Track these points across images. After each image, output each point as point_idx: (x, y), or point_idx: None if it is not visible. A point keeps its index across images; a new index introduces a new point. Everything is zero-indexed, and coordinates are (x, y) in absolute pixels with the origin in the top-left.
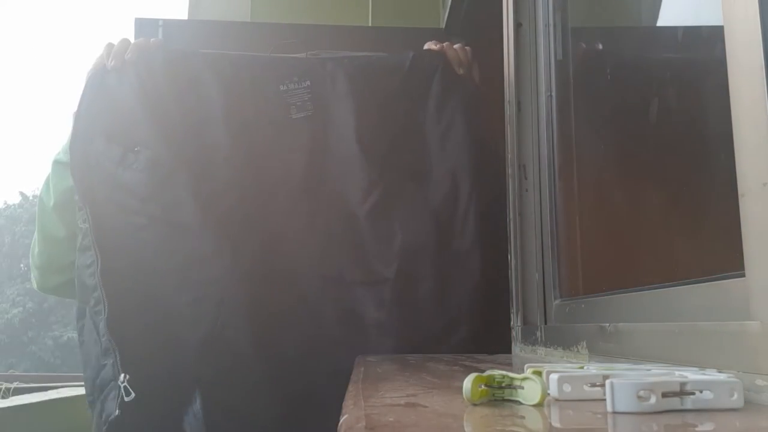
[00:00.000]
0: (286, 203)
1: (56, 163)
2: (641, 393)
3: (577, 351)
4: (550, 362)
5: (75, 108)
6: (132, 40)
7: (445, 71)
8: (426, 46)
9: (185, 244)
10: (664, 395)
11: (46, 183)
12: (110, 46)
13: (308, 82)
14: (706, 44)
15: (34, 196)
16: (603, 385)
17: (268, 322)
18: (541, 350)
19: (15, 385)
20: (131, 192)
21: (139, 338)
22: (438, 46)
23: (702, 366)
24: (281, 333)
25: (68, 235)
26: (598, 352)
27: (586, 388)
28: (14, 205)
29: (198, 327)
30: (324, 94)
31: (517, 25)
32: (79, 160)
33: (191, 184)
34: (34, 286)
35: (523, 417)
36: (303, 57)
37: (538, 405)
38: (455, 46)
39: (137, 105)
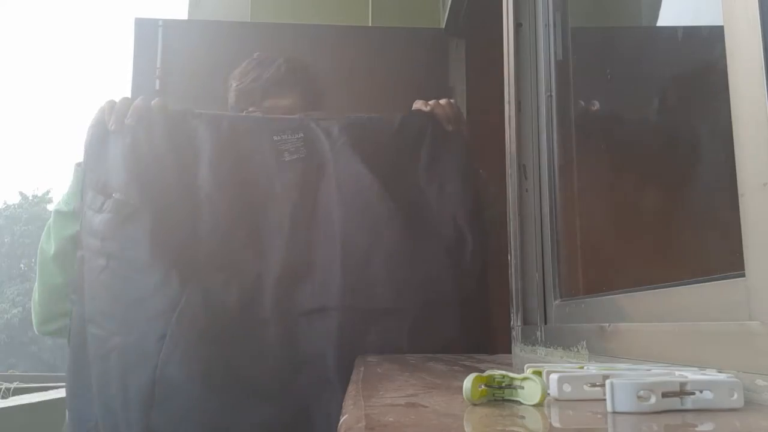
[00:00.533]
0: (271, 238)
1: (57, 212)
2: (641, 393)
3: (577, 351)
4: (550, 362)
5: (79, 159)
6: (132, 40)
7: (435, 131)
8: (415, 106)
9: (136, 280)
10: (664, 395)
11: (47, 231)
12: (111, 103)
13: (301, 134)
14: (706, 44)
15: (34, 196)
16: (603, 385)
17: (218, 358)
18: (541, 350)
19: (15, 385)
20: (97, 233)
21: (96, 389)
22: (427, 106)
23: (702, 366)
24: (236, 369)
25: (66, 282)
26: (598, 352)
27: (586, 388)
28: (14, 205)
29: (142, 367)
30: (318, 144)
31: (517, 25)
32: (78, 212)
33: (152, 221)
34: (35, 329)
35: (523, 417)
36: (297, 117)
37: (538, 405)
38: (442, 101)
39: (130, 162)
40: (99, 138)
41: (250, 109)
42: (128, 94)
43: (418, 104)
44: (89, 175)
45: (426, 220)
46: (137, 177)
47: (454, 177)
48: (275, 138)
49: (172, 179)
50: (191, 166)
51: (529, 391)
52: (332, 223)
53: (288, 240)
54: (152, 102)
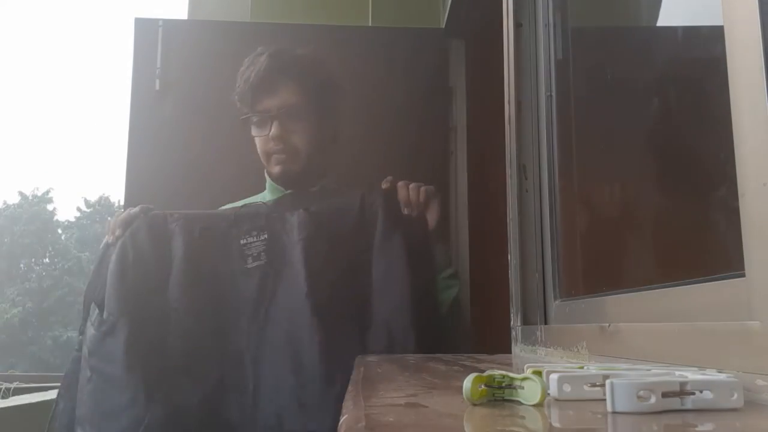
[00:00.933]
0: (235, 342)
1: None
2: (641, 393)
3: (577, 351)
4: (550, 362)
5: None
6: (132, 40)
7: (388, 211)
8: (382, 184)
9: (111, 396)
10: (664, 395)
11: None
12: (108, 222)
13: (266, 235)
14: (706, 44)
15: (34, 196)
16: (603, 385)
17: None
18: (541, 350)
19: (15, 385)
20: (87, 346)
21: None
22: (391, 185)
23: (702, 366)
24: None
25: None
26: (598, 352)
27: (586, 388)
28: (14, 204)
29: None
30: (279, 245)
31: (517, 25)
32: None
33: (127, 336)
34: None
35: (523, 417)
36: (264, 213)
37: (538, 405)
38: (412, 185)
39: (114, 276)
40: (102, 252)
41: (249, 115)
42: (128, 94)
43: (384, 182)
44: (89, 288)
45: (367, 313)
46: (117, 291)
47: (399, 265)
48: (242, 242)
49: (148, 290)
50: (165, 274)
51: (529, 391)
52: (282, 329)
53: (247, 344)
54: (134, 210)
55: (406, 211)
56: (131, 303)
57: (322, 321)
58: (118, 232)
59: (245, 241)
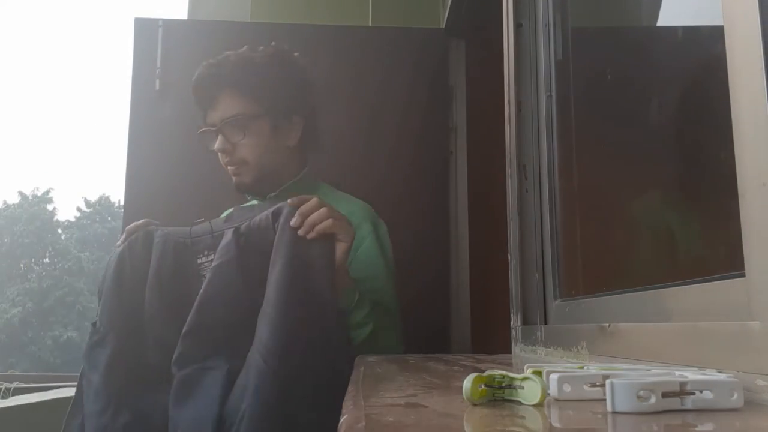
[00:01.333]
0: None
1: None
2: (641, 393)
3: (577, 351)
4: (550, 362)
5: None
6: (132, 40)
7: (284, 222)
8: (289, 200)
9: (90, 401)
10: (664, 395)
11: None
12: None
13: (212, 255)
14: (705, 44)
15: (34, 196)
16: (603, 385)
17: None
18: (541, 350)
19: (15, 385)
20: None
21: None
22: (299, 201)
23: (702, 366)
24: None
25: None
26: (598, 352)
27: (586, 388)
28: (14, 204)
29: None
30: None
31: (517, 25)
32: None
33: (112, 349)
34: None
35: (523, 417)
36: (210, 232)
37: (538, 405)
38: (312, 200)
39: (109, 289)
40: (109, 259)
41: (202, 129)
42: (128, 94)
43: (293, 199)
44: (98, 295)
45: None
46: (108, 303)
47: (277, 270)
48: (198, 261)
49: (134, 303)
50: (143, 293)
51: (529, 391)
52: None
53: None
54: (138, 222)
55: (292, 222)
56: (120, 316)
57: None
58: (118, 243)
59: (201, 260)
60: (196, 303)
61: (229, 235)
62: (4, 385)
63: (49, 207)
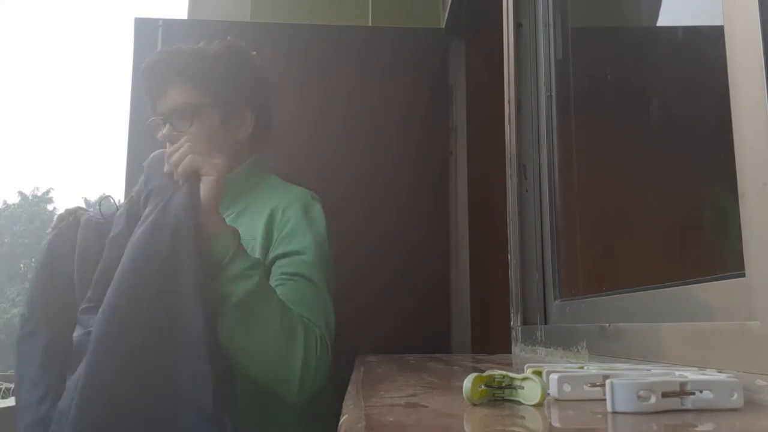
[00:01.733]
0: None
1: None
2: (641, 393)
3: (577, 351)
4: (550, 362)
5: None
6: (132, 40)
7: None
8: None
9: (25, 391)
10: (664, 395)
11: None
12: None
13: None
14: (705, 44)
15: (34, 196)
16: (603, 385)
17: None
18: (541, 350)
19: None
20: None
21: None
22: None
23: (702, 366)
24: None
25: None
26: (598, 352)
27: (586, 388)
28: (14, 204)
29: None
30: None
31: (517, 25)
32: None
33: (46, 341)
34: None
35: (523, 417)
36: (116, 207)
37: (538, 405)
38: (179, 142)
39: (38, 275)
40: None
41: (151, 119)
42: (128, 94)
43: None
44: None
45: None
46: (37, 292)
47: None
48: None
49: (66, 290)
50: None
51: (529, 391)
52: None
53: None
54: (72, 207)
55: (164, 168)
56: (54, 305)
57: None
58: (48, 230)
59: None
60: (94, 277)
61: (123, 206)
62: (4, 385)
63: (49, 207)
